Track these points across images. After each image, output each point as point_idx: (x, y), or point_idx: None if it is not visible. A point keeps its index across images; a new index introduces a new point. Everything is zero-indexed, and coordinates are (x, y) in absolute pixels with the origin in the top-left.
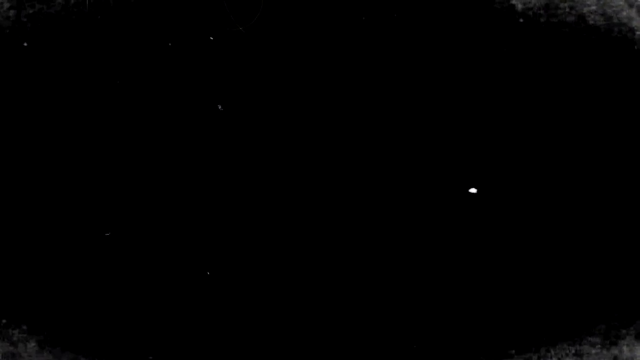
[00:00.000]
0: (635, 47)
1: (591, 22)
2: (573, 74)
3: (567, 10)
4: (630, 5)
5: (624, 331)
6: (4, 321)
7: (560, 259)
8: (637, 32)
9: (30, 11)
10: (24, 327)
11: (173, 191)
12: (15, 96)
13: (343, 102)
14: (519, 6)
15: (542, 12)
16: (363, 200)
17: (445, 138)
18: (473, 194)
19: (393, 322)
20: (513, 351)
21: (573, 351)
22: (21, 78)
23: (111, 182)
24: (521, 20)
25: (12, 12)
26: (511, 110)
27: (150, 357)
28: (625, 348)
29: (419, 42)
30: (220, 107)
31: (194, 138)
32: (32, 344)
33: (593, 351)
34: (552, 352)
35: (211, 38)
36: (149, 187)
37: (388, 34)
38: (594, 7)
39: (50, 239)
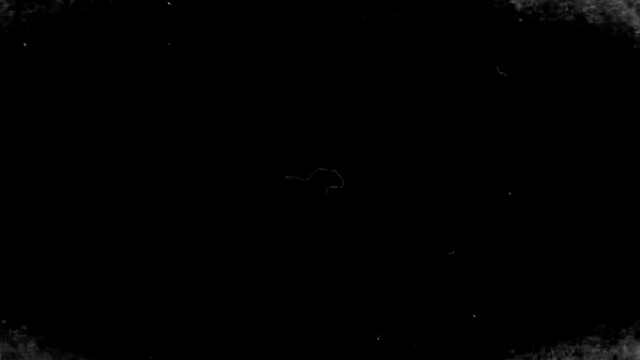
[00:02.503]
0: (635, 46)
1: (590, 21)
2: (572, 73)
3: (567, 9)
4: (630, 5)
5: (623, 330)
6: (3, 321)
7: (559, 258)
8: (637, 32)
9: (30, 11)
10: (24, 328)
11: (173, 192)
12: (15, 97)
13: (342, 102)
14: (519, 5)
15: (541, 11)
16: (363, 200)
17: (444, 138)
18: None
19: (393, 322)
20: (513, 350)
21: (573, 350)
22: (21, 78)
23: (111, 183)
24: (520, 19)
25: (11, 13)
26: (510, 109)
27: (150, 358)
28: (625, 347)
29: (418, 42)
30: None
31: (194, 138)
32: (32, 344)
33: (593, 350)
34: (552, 352)
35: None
36: (149, 187)
37: (387, 34)
38: (593, 7)
39: (50, 239)
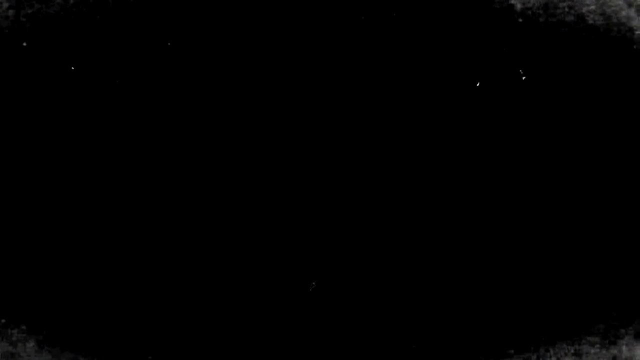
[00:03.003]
0: (634, 46)
1: (590, 21)
2: (572, 73)
3: (566, 9)
4: (630, 5)
5: (622, 331)
6: (3, 321)
7: (559, 258)
8: (636, 32)
9: (30, 11)
10: (23, 327)
11: (173, 191)
12: (15, 96)
13: (342, 102)
14: (518, 6)
15: (541, 11)
16: (362, 200)
17: (444, 138)
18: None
19: (392, 322)
20: (512, 351)
21: (572, 351)
22: (20, 78)
23: (111, 182)
24: (520, 19)
25: (11, 12)
26: (510, 109)
27: (150, 357)
28: (624, 348)
29: (418, 42)
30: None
31: (193, 138)
32: (31, 344)
33: (592, 351)
34: (552, 352)
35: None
36: (149, 187)
37: (387, 34)
38: (593, 7)
39: (50, 239)
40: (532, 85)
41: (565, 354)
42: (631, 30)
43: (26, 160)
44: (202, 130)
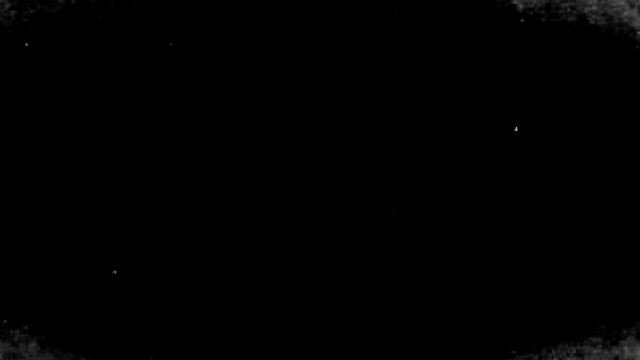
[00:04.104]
0: (637, 47)
1: (592, 22)
2: (574, 74)
3: (568, 10)
4: (632, 6)
5: (625, 331)
6: (5, 321)
7: (560, 258)
8: (638, 32)
9: (32, 11)
10: (25, 328)
11: (173, 192)
12: (16, 97)
13: (343, 102)
14: (520, 6)
15: (543, 12)
16: (362, 200)
17: (446, 138)
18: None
19: (393, 322)
20: (514, 351)
21: (574, 351)
22: (22, 78)
23: (111, 183)
24: (522, 20)
25: (13, 12)
26: (512, 110)
27: (152, 358)
28: (626, 348)
29: (419, 42)
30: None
31: (195, 138)
32: (33, 344)
33: (594, 351)
34: (554, 352)
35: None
36: (149, 188)
37: (388, 34)
38: (595, 8)
39: (50, 239)
40: (533, 85)
41: (568, 355)
42: (633, 31)
43: (26, 161)
44: (204, 131)
